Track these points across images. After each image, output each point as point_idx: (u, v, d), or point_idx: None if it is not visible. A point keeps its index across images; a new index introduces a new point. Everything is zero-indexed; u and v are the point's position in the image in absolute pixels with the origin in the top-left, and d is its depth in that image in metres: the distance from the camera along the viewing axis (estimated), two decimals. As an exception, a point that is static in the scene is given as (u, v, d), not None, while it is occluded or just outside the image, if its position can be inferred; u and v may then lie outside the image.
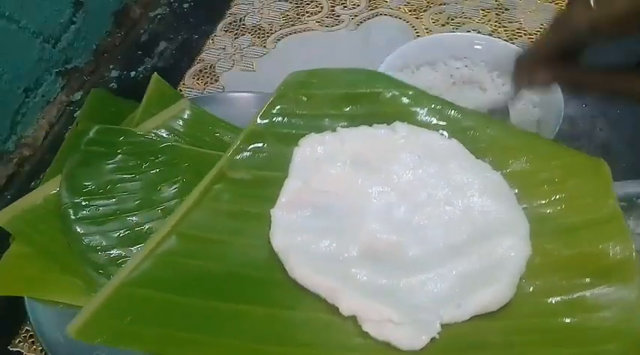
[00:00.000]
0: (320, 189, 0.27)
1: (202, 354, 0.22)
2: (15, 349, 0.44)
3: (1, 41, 0.52)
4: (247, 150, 0.29)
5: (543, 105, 0.44)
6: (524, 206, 0.26)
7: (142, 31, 0.67)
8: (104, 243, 0.39)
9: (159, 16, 0.68)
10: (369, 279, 0.23)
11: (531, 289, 0.24)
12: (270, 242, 0.25)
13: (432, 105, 0.29)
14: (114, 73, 0.63)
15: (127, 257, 0.38)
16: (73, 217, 0.40)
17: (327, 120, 0.30)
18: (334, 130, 0.29)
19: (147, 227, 0.40)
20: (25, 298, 0.39)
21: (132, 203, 0.41)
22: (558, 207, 0.26)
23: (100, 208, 0.41)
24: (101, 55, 0.65)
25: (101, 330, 0.23)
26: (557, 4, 0.60)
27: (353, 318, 0.23)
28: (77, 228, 0.39)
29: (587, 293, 0.23)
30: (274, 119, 0.30)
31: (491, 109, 0.38)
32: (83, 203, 0.41)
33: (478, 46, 0.48)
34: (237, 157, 0.29)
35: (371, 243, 0.25)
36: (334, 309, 0.23)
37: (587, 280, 0.23)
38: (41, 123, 0.59)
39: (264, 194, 0.27)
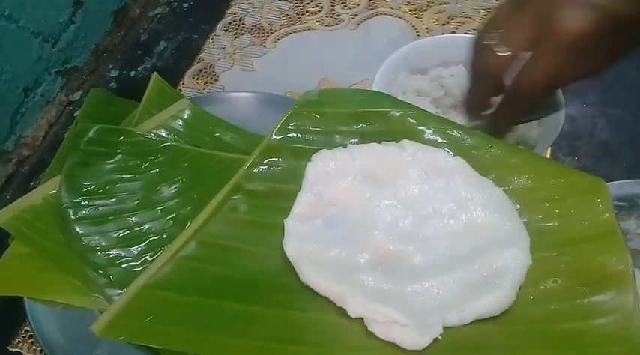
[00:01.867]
0: (331, 201, 0.29)
1: (216, 352, 0.24)
2: (14, 349, 0.43)
3: (0, 40, 0.52)
4: (263, 164, 0.31)
5: (544, 106, 0.44)
6: (525, 220, 0.27)
7: (141, 30, 0.67)
8: (103, 243, 0.39)
9: (158, 16, 0.68)
10: (375, 285, 0.25)
11: (531, 297, 0.25)
12: (283, 250, 0.26)
13: (437, 125, 0.31)
14: (113, 73, 0.63)
15: (126, 257, 0.38)
16: (72, 217, 0.40)
17: (338, 136, 0.32)
18: (345, 146, 0.31)
19: (146, 227, 0.40)
20: (25, 298, 0.39)
21: (131, 203, 0.41)
22: (557, 223, 0.27)
23: (100, 208, 0.40)
24: (101, 54, 0.65)
25: (123, 329, 0.24)
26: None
27: (360, 320, 0.24)
28: (76, 228, 0.39)
29: (585, 301, 0.24)
30: (289, 135, 0.32)
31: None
32: (82, 203, 0.40)
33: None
34: (254, 170, 0.30)
35: (378, 252, 0.26)
36: (343, 311, 0.24)
37: (585, 289, 0.24)
38: (40, 123, 0.59)
39: (278, 205, 0.29)
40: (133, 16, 0.68)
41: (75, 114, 0.59)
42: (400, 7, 0.63)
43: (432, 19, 0.61)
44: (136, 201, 0.41)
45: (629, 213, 0.37)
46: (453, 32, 0.60)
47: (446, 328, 0.23)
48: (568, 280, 0.25)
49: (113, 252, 0.38)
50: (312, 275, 0.25)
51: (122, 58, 0.64)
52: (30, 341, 0.44)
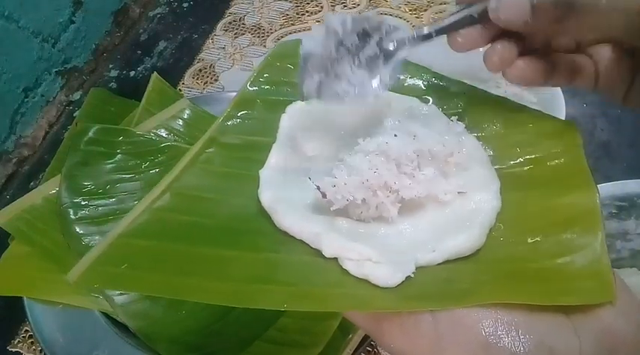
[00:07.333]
0: (305, 152, 0.29)
1: (191, 295, 0.24)
2: (14, 349, 0.43)
3: (0, 41, 0.52)
4: (237, 117, 0.31)
5: (544, 105, 0.44)
6: (497, 166, 0.28)
7: (141, 30, 0.67)
8: (104, 243, 0.39)
9: (158, 16, 0.68)
10: (350, 227, 0.25)
11: (501, 239, 0.25)
12: (258, 200, 0.27)
13: (414, 72, 0.31)
14: (113, 73, 0.63)
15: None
16: (72, 217, 0.40)
17: None
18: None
19: (146, 227, 0.40)
20: (24, 298, 0.39)
21: (131, 203, 0.41)
22: (529, 167, 0.27)
23: (100, 208, 0.40)
24: (100, 54, 0.65)
25: (99, 276, 0.24)
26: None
27: (334, 260, 0.24)
28: (76, 228, 0.39)
29: (554, 240, 0.24)
30: (262, 86, 0.32)
31: None
32: (82, 203, 0.40)
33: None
34: (228, 123, 0.30)
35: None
36: (317, 253, 0.24)
37: (554, 229, 0.25)
38: (40, 123, 0.59)
39: (253, 157, 0.29)
40: (133, 16, 0.68)
41: (75, 114, 0.59)
42: (400, 7, 0.63)
43: (432, 18, 0.61)
44: (135, 201, 0.41)
45: (629, 213, 0.37)
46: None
47: (418, 268, 0.23)
48: (538, 221, 0.25)
49: (113, 252, 0.38)
50: (287, 220, 0.25)
51: (122, 57, 0.64)
52: (30, 341, 0.44)
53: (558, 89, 0.43)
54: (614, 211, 0.36)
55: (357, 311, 0.23)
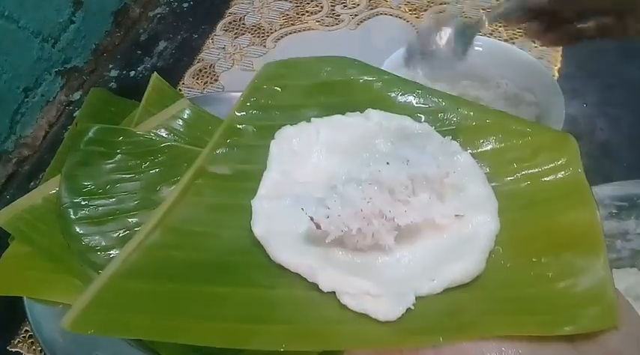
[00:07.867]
0: (298, 179, 0.28)
1: (187, 338, 0.23)
2: (14, 349, 0.43)
3: (0, 41, 0.52)
4: (226, 145, 0.30)
5: (544, 105, 0.44)
6: (494, 184, 0.27)
7: (141, 30, 0.67)
8: (103, 244, 0.39)
9: (158, 16, 0.68)
10: (346, 259, 0.25)
11: (502, 262, 0.25)
12: (252, 231, 0.26)
13: (405, 90, 0.31)
14: (113, 73, 0.63)
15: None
16: (72, 217, 0.40)
17: (302, 110, 0.31)
18: (309, 121, 0.30)
19: (146, 227, 0.40)
20: (24, 298, 0.39)
21: (131, 203, 0.41)
22: (527, 183, 0.27)
23: (100, 208, 0.40)
24: (100, 54, 0.65)
25: (93, 322, 0.23)
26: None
27: (332, 294, 0.24)
28: (76, 228, 0.39)
29: (556, 262, 0.24)
30: (251, 112, 0.31)
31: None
32: (82, 203, 0.40)
33: (479, 48, 0.48)
34: (217, 152, 0.30)
35: None
36: (314, 286, 0.24)
37: (555, 250, 0.24)
38: (40, 123, 0.59)
39: (244, 186, 0.28)
40: (133, 16, 0.68)
41: (75, 114, 0.59)
42: (400, 7, 0.63)
43: (431, 18, 0.61)
44: (135, 201, 0.41)
45: (629, 213, 0.37)
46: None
47: (418, 298, 0.23)
48: (537, 242, 0.25)
49: (113, 252, 0.38)
50: (282, 253, 0.25)
51: (122, 57, 0.64)
52: (30, 341, 0.44)
53: (558, 89, 0.43)
54: (614, 211, 0.37)
55: (358, 348, 0.23)
